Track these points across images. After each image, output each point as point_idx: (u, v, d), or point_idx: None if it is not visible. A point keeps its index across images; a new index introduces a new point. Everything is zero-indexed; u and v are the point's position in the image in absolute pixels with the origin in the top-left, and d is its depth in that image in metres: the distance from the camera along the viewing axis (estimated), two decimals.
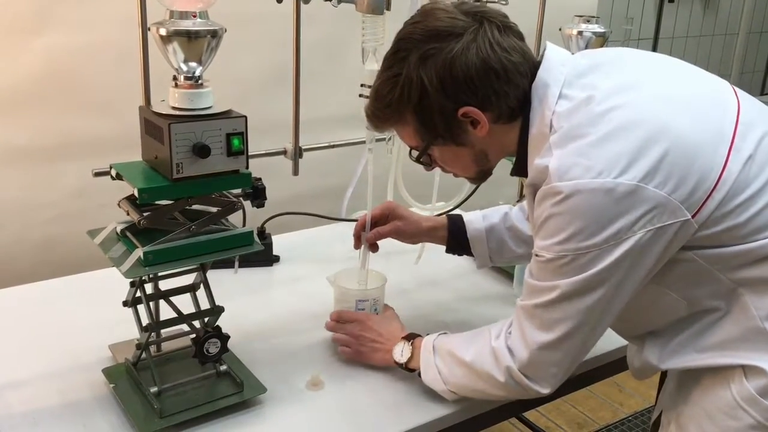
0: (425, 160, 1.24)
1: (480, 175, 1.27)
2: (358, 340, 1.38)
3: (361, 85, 1.57)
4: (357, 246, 1.52)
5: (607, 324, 1.12)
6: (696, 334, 1.14)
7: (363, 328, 1.38)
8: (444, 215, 1.59)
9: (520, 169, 1.20)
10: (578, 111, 1.07)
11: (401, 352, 1.32)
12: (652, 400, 1.46)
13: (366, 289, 1.47)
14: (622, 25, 3.48)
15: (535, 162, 1.09)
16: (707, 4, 4.16)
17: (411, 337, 1.33)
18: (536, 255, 1.10)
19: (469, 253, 1.55)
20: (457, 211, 1.98)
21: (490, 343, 1.18)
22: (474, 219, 1.53)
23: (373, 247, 1.51)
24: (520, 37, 1.15)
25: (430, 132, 1.17)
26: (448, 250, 1.57)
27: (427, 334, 1.32)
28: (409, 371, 1.32)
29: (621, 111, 1.05)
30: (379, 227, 1.50)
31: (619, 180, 1.00)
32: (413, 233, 1.53)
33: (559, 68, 1.13)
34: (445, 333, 1.31)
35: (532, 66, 1.14)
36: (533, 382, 1.15)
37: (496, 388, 1.19)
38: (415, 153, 1.24)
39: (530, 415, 2.58)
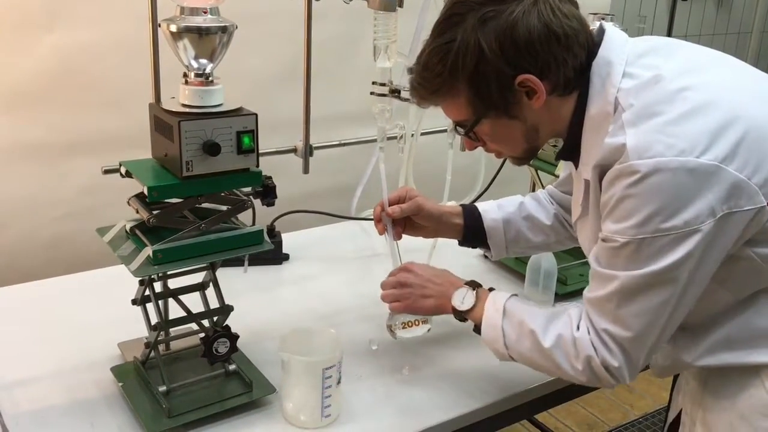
0: (472, 136, 1.18)
1: (527, 154, 1.21)
2: (406, 287, 1.32)
3: (373, 83, 1.56)
4: (381, 231, 1.45)
5: (682, 316, 1.08)
6: (732, 329, 1.12)
7: (410, 274, 1.33)
8: (458, 204, 1.53)
9: (570, 150, 1.17)
10: (647, 89, 1.05)
11: (463, 299, 1.26)
12: (662, 401, 1.45)
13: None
14: (634, 23, 3.46)
15: (605, 141, 1.04)
16: (720, 3, 4.13)
17: (474, 285, 1.28)
18: (605, 240, 1.06)
19: (483, 245, 1.50)
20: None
21: (572, 331, 1.13)
22: (490, 209, 1.49)
23: (397, 233, 1.44)
24: (575, 5, 1.11)
25: (483, 102, 1.11)
26: (462, 242, 1.51)
27: (491, 289, 1.28)
28: (462, 320, 1.28)
29: (695, 91, 1.03)
30: (400, 204, 1.43)
31: (701, 159, 0.97)
32: (431, 212, 1.45)
33: (621, 47, 1.11)
34: (515, 295, 1.25)
35: (588, 36, 1.11)
36: (612, 376, 1.10)
37: (564, 375, 1.15)
38: (461, 129, 1.18)
39: (540, 415, 2.57)
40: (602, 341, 1.09)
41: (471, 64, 1.07)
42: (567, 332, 1.13)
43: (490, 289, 1.28)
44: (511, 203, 1.50)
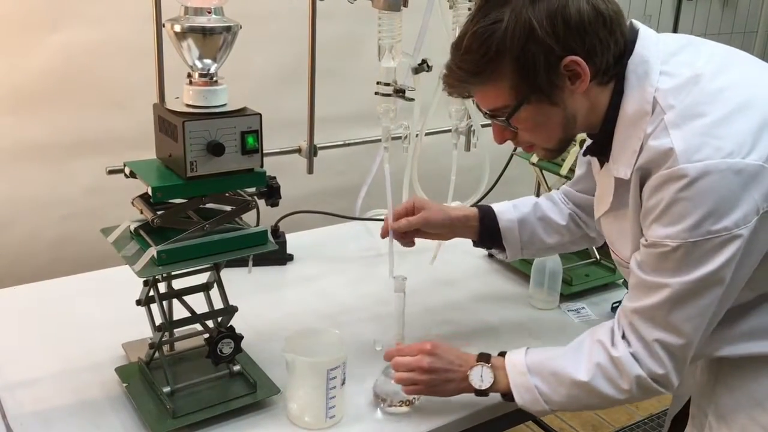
0: (511, 122, 1.14)
1: (560, 145, 1.18)
2: (429, 374, 1.23)
3: (378, 83, 1.56)
4: (384, 235, 1.44)
5: (722, 313, 1.09)
6: (752, 321, 1.13)
7: (434, 359, 1.24)
8: (473, 206, 1.52)
9: (601, 146, 1.16)
10: (687, 89, 1.05)
11: (481, 377, 1.22)
12: (668, 402, 1.44)
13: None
14: (639, 22, 3.44)
15: (649, 144, 1.04)
16: (726, 2, 4.11)
17: (483, 359, 1.24)
18: (653, 246, 1.06)
19: (498, 246, 1.49)
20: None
21: (609, 353, 1.12)
22: (505, 209, 1.48)
23: (409, 241, 1.45)
24: None
25: (528, 85, 1.08)
26: (477, 244, 1.51)
27: (500, 353, 1.25)
28: (484, 395, 1.23)
29: (734, 91, 1.04)
30: (408, 217, 1.43)
31: (747, 160, 0.99)
32: (442, 222, 1.44)
33: (656, 45, 1.11)
34: (527, 348, 1.23)
35: (625, 24, 1.11)
36: (661, 385, 1.11)
37: (610, 402, 1.14)
38: (501, 116, 1.14)
39: (546, 417, 2.56)
40: (649, 352, 1.09)
41: (519, 43, 1.05)
42: (603, 357, 1.13)
43: (500, 354, 1.25)
44: (525, 204, 1.49)
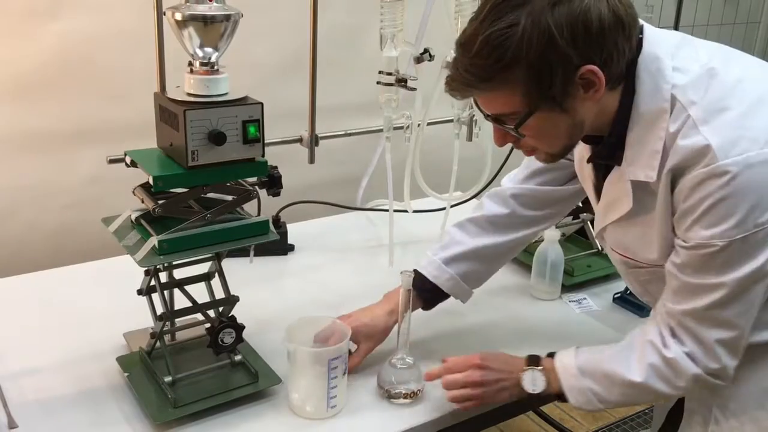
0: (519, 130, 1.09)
1: (564, 151, 1.14)
2: (482, 387, 1.22)
3: (379, 72, 1.55)
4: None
5: (765, 298, 1.09)
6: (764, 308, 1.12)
7: (485, 372, 1.23)
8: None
9: (612, 150, 1.12)
10: (705, 83, 1.03)
11: (533, 382, 1.21)
12: None
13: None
14: (642, 13, 3.42)
15: (678, 143, 1.02)
16: None
17: (533, 361, 1.23)
18: (697, 247, 1.04)
19: (445, 297, 1.43)
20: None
21: (662, 354, 1.11)
22: (436, 271, 1.40)
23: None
24: None
25: (541, 93, 1.02)
26: (426, 308, 1.43)
27: (548, 354, 1.24)
28: (536, 398, 1.23)
29: (750, 82, 1.04)
30: (353, 356, 1.32)
31: None
32: (386, 335, 1.37)
33: (662, 41, 1.07)
34: (577, 348, 1.23)
35: (639, 27, 1.07)
36: (720, 379, 1.11)
37: (666, 397, 1.15)
38: (508, 123, 1.08)
39: (546, 407, 2.56)
40: (705, 350, 1.09)
41: (537, 50, 0.98)
42: (656, 358, 1.12)
43: (549, 355, 1.24)
44: (454, 245, 1.42)
